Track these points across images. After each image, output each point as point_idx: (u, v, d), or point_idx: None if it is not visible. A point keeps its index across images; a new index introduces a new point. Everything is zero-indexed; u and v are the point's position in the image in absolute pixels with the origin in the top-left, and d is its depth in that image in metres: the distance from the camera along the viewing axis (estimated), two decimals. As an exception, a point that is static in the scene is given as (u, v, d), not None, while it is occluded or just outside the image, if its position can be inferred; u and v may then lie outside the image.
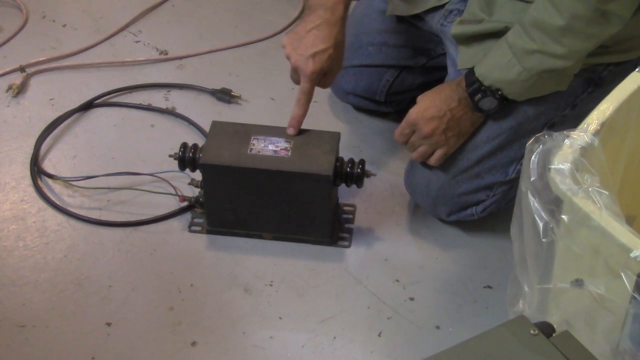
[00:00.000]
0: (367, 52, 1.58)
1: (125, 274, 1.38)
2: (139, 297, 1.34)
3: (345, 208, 1.49)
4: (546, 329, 0.83)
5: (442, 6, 1.49)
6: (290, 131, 1.38)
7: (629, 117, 1.04)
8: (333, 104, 1.71)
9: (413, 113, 1.35)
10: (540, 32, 1.23)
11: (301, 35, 1.35)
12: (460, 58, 1.39)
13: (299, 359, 1.26)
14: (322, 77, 1.39)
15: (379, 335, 1.30)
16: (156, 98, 1.73)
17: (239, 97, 1.72)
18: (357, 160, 1.39)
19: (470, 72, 1.31)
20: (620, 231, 0.86)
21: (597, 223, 0.87)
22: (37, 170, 1.55)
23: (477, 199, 1.40)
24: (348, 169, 1.38)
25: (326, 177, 1.34)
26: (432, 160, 1.37)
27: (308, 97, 1.38)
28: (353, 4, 1.40)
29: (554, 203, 0.93)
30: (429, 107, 1.34)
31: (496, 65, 1.28)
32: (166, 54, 1.85)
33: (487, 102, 1.31)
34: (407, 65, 1.57)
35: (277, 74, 1.80)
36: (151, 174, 1.52)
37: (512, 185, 1.38)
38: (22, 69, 1.77)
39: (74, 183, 1.51)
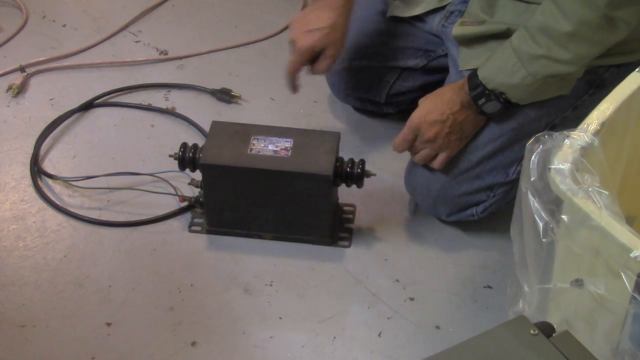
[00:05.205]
0: (367, 53, 1.58)
1: (125, 274, 1.38)
2: (139, 297, 1.34)
3: (345, 208, 1.49)
4: (546, 329, 0.83)
5: (443, 7, 1.49)
6: (292, 91, 1.50)
7: (629, 117, 1.04)
8: (333, 104, 1.71)
9: (415, 117, 1.35)
10: (547, 37, 1.22)
11: (306, 14, 1.47)
12: (462, 59, 1.39)
13: (299, 359, 1.26)
14: (317, 58, 1.44)
15: (379, 335, 1.30)
16: (156, 98, 1.73)
17: (239, 97, 1.73)
18: (357, 160, 1.39)
19: (474, 75, 1.31)
20: (620, 231, 0.86)
21: (597, 223, 0.87)
22: (37, 170, 1.55)
23: (477, 199, 1.40)
24: (348, 169, 1.38)
25: (326, 177, 1.34)
26: (436, 164, 1.37)
27: (296, 67, 1.46)
28: None
29: (554, 203, 0.93)
30: (432, 111, 1.34)
31: (500, 69, 1.28)
32: (166, 54, 1.85)
33: (490, 106, 1.31)
34: (408, 66, 1.57)
35: (277, 74, 1.79)
36: (151, 174, 1.52)
37: (513, 186, 1.38)
38: (22, 69, 1.77)
39: (74, 183, 1.52)
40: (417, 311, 1.33)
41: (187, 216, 1.47)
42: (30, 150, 1.59)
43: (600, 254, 0.90)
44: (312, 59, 1.44)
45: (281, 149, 1.37)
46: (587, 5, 1.18)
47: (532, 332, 0.83)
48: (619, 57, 1.33)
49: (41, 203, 1.50)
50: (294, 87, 1.49)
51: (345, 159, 1.39)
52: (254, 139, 1.38)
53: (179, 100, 1.73)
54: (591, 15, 1.18)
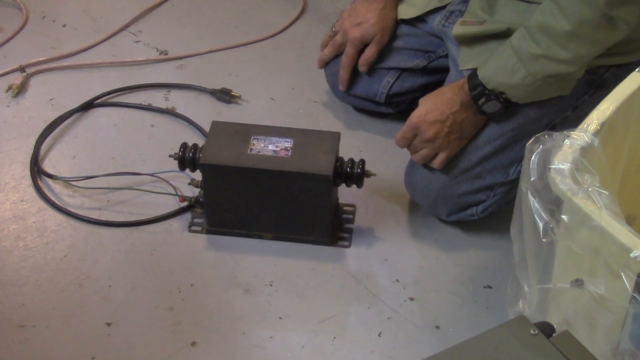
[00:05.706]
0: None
1: (125, 274, 1.38)
2: (139, 297, 1.34)
3: (345, 208, 1.49)
4: (546, 329, 0.83)
5: (443, 7, 1.49)
6: (341, 87, 1.60)
7: (629, 117, 1.04)
8: (333, 104, 1.71)
9: (415, 117, 1.35)
10: (546, 36, 1.22)
11: (355, 6, 1.57)
12: (462, 59, 1.39)
13: (299, 359, 1.26)
14: (366, 47, 1.55)
15: (379, 335, 1.30)
16: (156, 98, 1.73)
17: (238, 97, 1.72)
18: (357, 160, 1.39)
19: (473, 75, 1.31)
20: (620, 231, 0.86)
21: (597, 223, 0.87)
22: (37, 170, 1.55)
23: (477, 199, 1.40)
24: (348, 169, 1.38)
25: (326, 177, 1.34)
26: (435, 164, 1.37)
27: (350, 60, 1.56)
28: None
29: (554, 203, 0.93)
30: (431, 110, 1.34)
31: (500, 69, 1.28)
32: (166, 54, 1.85)
33: (490, 106, 1.31)
34: (408, 67, 1.57)
35: (277, 74, 1.80)
36: (151, 174, 1.52)
37: (513, 185, 1.37)
38: (22, 69, 1.77)
39: (74, 183, 1.51)
40: (417, 311, 1.33)
41: (187, 216, 1.47)
42: (30, 150, 1.59)
43: (600, 254, 0.90)
44: (361, 49, 1.55)
45: (281, 149, 1.37)
46: (586, 4, 1.18)
47: (532, 332, 0.83)
48: (619, 57, 1.33)
49: (41, 203, 1.50)
50: (346, 81, 1.59)
51: (345, 159, 1.39)
52: (254, 139, 1.38)
53: (179, 100, 1.73)
54: (591, 14, 1.18)
